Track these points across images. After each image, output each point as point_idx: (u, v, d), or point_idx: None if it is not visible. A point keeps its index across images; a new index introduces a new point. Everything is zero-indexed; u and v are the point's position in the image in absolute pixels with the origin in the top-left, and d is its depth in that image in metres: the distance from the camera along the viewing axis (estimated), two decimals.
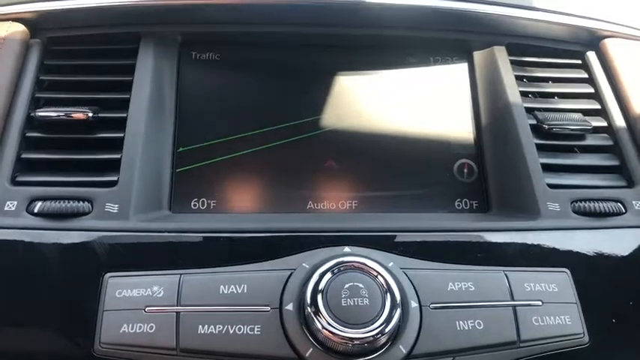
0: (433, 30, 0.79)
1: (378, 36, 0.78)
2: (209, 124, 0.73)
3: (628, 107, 0.75)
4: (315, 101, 0.76)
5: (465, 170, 0.74)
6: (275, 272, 0.57)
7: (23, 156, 0.65)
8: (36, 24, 0.74)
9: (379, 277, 0.54)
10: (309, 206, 0.70)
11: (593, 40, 0.81)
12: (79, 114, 0.67)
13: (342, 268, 0.54)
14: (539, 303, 0.57)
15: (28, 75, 0.70)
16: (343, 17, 0.77)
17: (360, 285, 0.53)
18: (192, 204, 0.69)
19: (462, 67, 0.80)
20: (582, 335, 0.57)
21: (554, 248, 0.62)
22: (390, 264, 0.57)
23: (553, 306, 0.57)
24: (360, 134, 0.74)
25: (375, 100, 0.76)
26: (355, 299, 0.52)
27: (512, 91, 0.74)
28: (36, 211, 0.60)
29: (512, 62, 0.78)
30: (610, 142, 0.74)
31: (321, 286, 0.53)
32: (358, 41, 0.79)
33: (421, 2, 0.76)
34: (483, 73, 0.78)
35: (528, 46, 0.80)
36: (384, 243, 0.61)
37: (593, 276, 0.61)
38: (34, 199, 0.61)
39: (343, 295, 0.52)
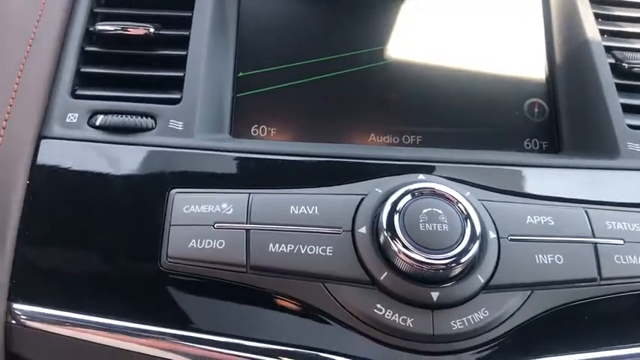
0: None
1: None
2: (269, 49, 0.70)
3: None
4: (380, 31, 0.72)
5: (536, 110, 0.70)
6: (346, 196, 0.54)
7: (83, 70, 0.63)
8: None
9: (459, 204, 0.51)
10: (371, 138, 0.67)
11: None
12: (137, 29, 0.64)
13: (422, 192, 0.51)
14: (621, 242, 0.54)
15: None
16: None
17: (439, 211, 0.50)
18: (252, 130, 0.66)
19: (536, 2, 0.75)
20: None
21: (635, 188, 0.59)
22: (468, 193, 0.54)
23: (636, 245, 0.55)
24: (426, 67, 0.71)
25: (443, 33, 0.73)
26: (434, 224, 0.49)
27: (591, 28, 0.70)
28: (98, 124, 0.59)
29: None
30: None
31: (399, 208, 0.50)
32: None
33: None
34: (559, 8, 0.74)
35: None
36: (456, 174, 0.58)
37: None
38: (95, 113, 0.60)
39: (421, 220, 0.50)
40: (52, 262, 0.54)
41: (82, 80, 0.63)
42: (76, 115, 0.59)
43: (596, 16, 0.73)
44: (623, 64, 0.68)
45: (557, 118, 0.69)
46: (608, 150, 0.63)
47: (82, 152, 0.57)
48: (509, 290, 0.51)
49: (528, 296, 0.51)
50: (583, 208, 0.56)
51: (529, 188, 0.58)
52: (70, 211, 0.55)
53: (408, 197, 0.51)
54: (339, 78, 0.69)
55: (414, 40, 0.72)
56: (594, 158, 0.63)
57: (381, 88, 0.70)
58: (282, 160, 0.58)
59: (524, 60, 0.72)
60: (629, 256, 0.54)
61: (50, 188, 0.56)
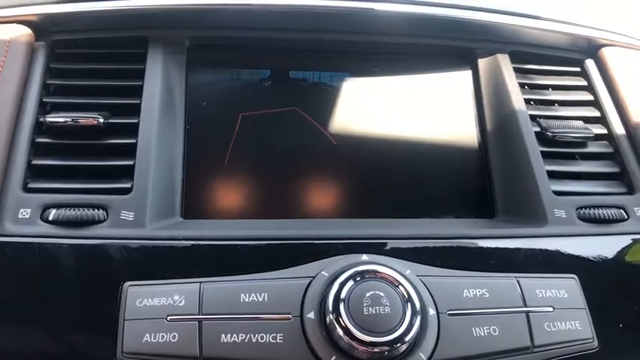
0: (438, 37, 0.80)
1: (383, 43, 0.79)
2: (219, 129, 0.73)
3: (627, 115, 0.77)
4: (325, 113, 0.76)
5: (470, 177, 0.75)
6: (294, 280, 0.57)
7: (34, 162, 0.64)
8: (41, 27, 0.73)
9: (400, 286, 0.55)
10: (321, 213, 0.71)
11: (592, 49, 0.83)
12: (88, 120, 0.66)
13: (364, 276, 0.55)
14: (551, 309, 0.59)
15: (34, 79, 0.69)
16: (351, 24, 0.77)
17: (382, 294, 0.54)
18: (204, 210, 0.68)
19: (467, 75, 0.81)
20: (592, 340, 0.59)
21: (562, 254, 0.64)
22: (408, 272, 0.58)
23: (563, 312, 0.59)
24: (367, 141, 0.75)
25: (381, 107, 0.77)
26: (377, 308, 0.53)
27: (517, 99, 0.75)
28: (51, 218, 0.60)
29: (515, 70, 0.79)
30: (610, 150, 0.76)
31: (343, 294, 0.53)
32: (363, 48, 0.80)
33: (426, 10, 0.76)
34: (487, 81, 0.79)
35: (530, 54, 0.82)
36: (398, 250, 0.62)
37: (600, 281, 0.63)
38: (48, 207, 0.61)
39: (365, 304, 0.53)
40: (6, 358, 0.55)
41: (34, 172, 0.64)
42: (29, 210, 0.60)
43: (522, 85, 0.79)
44: (547, 133, 0.73)
45: (490, 184, 0.74)
46: (537, 217, 0.68)
47: (35, 248, 0.58)
48: None
49: None
50: (515, 277, 0.60)
51: (465, 260, 0.62)
52: (25, 308, 0.56)
53: (352, 282, 0.54)
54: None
55: (355, 116, 0.76)
56: (525, 226, 0.68)
57: (327, 166, 0.73)
58: (232, 245, 0.61)
59: (459, 130, 0.77)
60: (559, 323, 0.58)
61: (4, 287, 0.57)
